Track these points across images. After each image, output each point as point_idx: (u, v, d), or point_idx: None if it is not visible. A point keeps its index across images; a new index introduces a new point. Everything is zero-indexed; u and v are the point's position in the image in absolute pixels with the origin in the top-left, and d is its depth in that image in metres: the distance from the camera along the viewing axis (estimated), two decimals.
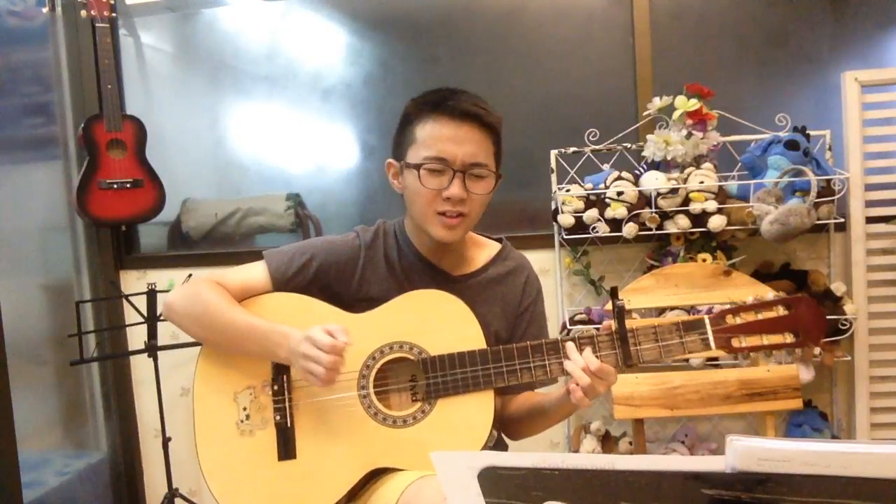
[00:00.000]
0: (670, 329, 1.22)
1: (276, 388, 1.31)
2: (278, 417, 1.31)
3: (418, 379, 1.30)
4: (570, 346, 1.23)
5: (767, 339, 1.20)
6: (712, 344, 1.21)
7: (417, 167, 1.29)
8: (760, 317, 1.20)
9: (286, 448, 1.30)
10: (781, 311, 1.20)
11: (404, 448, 1.26)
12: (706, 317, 1.22)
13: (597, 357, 1.21)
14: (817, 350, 2.19)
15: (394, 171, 1.38)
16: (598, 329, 1.25)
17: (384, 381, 1.32)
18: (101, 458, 2.66)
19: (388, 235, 1.42)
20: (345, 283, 1.38)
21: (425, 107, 1.31)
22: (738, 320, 1.21)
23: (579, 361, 1.21)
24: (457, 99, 1.30)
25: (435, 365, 1.27)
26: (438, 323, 1.30)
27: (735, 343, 1.20)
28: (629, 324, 1.22)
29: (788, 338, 1.19)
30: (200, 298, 1.33)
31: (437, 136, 1.29)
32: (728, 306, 1.22)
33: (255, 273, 1.38)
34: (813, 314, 1.19)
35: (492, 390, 1.27)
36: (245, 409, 1.33)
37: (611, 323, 1.25)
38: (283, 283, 1.36)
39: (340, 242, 1.41)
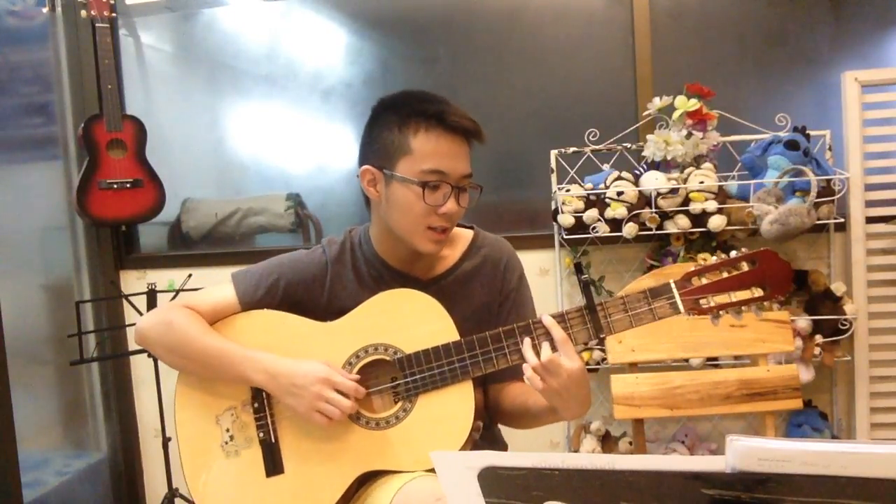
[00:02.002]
0: (638, 297, 1.22)
1: (256, 405, 1.32)
2: (262, 434, 1.31)
3: (398, 379, 1.30)
4: (525, 344, 1.21)
5: (736, 296, 1.19)
6: (681, 307, 1.20)
7: (421, 184, 1.25)
8: (726, 275, 1.20)
9: (273, 464, 1.30)
10: (746, 266, 1.20)
11: (390, 449, 1.26)
12: (672, 281, 1.21)
13: (569, 334, 1.21)
14: (817, 350, 2.19)
15: (371, 179, 1.32)
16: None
17: (366, 385, 1.31)
18: (101, 458, 2.66)
19: (355, 246, 1.40)
20: (314, 300, 1.37)
21: (421, 117, 1.26)
22: (705, 280, 1.20)
23: (531, 360, 1.19)
24: (455, 113, 1.26)
25: (411, 363, 1.27)
26: (409, 321, 1.30)
27: (704, 304, 1.19)
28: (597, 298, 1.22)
29: (757, 292, 1.19)
30: (173, 327, 1.32)
31: (437, 151, 1.25)
32: (693, 268, 1.21)
33: (224, 295, 1.36)
34: (778, 266, 1.19)
35: (470, 381, 1.27)
36: (228, 430, 1.33)
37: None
38: (251, 305, 1.36)
39: (307, 259, 1.39)
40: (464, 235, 1.43)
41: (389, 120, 1.29)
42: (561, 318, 1.22)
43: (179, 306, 1.35)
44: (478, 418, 1.28)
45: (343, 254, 1.39)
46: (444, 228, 1.30)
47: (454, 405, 1.26)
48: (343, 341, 1.31)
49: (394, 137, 1.28)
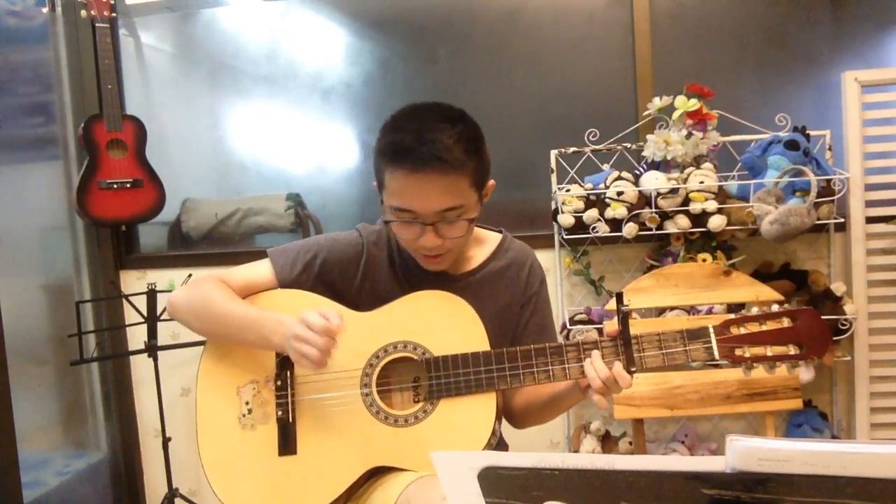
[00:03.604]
0: (674, 337, 1.22)
1: (279, 383, 1.32)
2: (280, 413, 1.31)
3: (421, 379, 1.30)
4: (595, 354, 1.23)
5: (771, 350, 1.20)
6: (716, 353, 1.21)
7: (393, 220, 1.26)
8: (765, 328, 1.21)
9: (287, 443, 1.30)
10: (786, 322, 1.20)
11: (405, 447, 1.26)
12: (710, 326, 1.22)
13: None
14: None
15: (378, 194, 1.32)
16: (599, 332, 1.25)
17: (387, 381, 1.32)
18: (101, 458, 2.66)
19: (391, 235, 1.41)
20: (348, 281, 1.38)
21: (386, 155, 1.23)
22: (743, 330, 1.21)
23: (601, 371, 1.21)
24: (418, 147, 1.19)
25: (438, 365, 1.27)
26: (443, 324, 1.30)
27: (739, 353, 1.20)
28: (633, 330, 1.23)
29: (792, 349, 1.19)
30: (201, 293, 1.35)
31: (402, 190, 1.23)
32: (732, 316, 1.22)
33: (259, 271, 1.38)
34: (818, 327, 1.19)
35: (494, 392, 1.27)
36: (247, 403, 1.33)
37: (614, 325, 1.25)
38: (288, 282, 1.36)
39: (343, 240, 1.40)
40: (492, 238, 1.45)
41: (375, 149, 1.28)
42: (594, 345, 1.24)
43: (212, 277, 1.37)
44: (497, 422, 1.29)
45: (380, 239, 1.40)
46: (436, 254, 1.30)
47: (475, 414, 1.26)
48: (373, 334, 1.32)
49: (379, 167, 1.27)
